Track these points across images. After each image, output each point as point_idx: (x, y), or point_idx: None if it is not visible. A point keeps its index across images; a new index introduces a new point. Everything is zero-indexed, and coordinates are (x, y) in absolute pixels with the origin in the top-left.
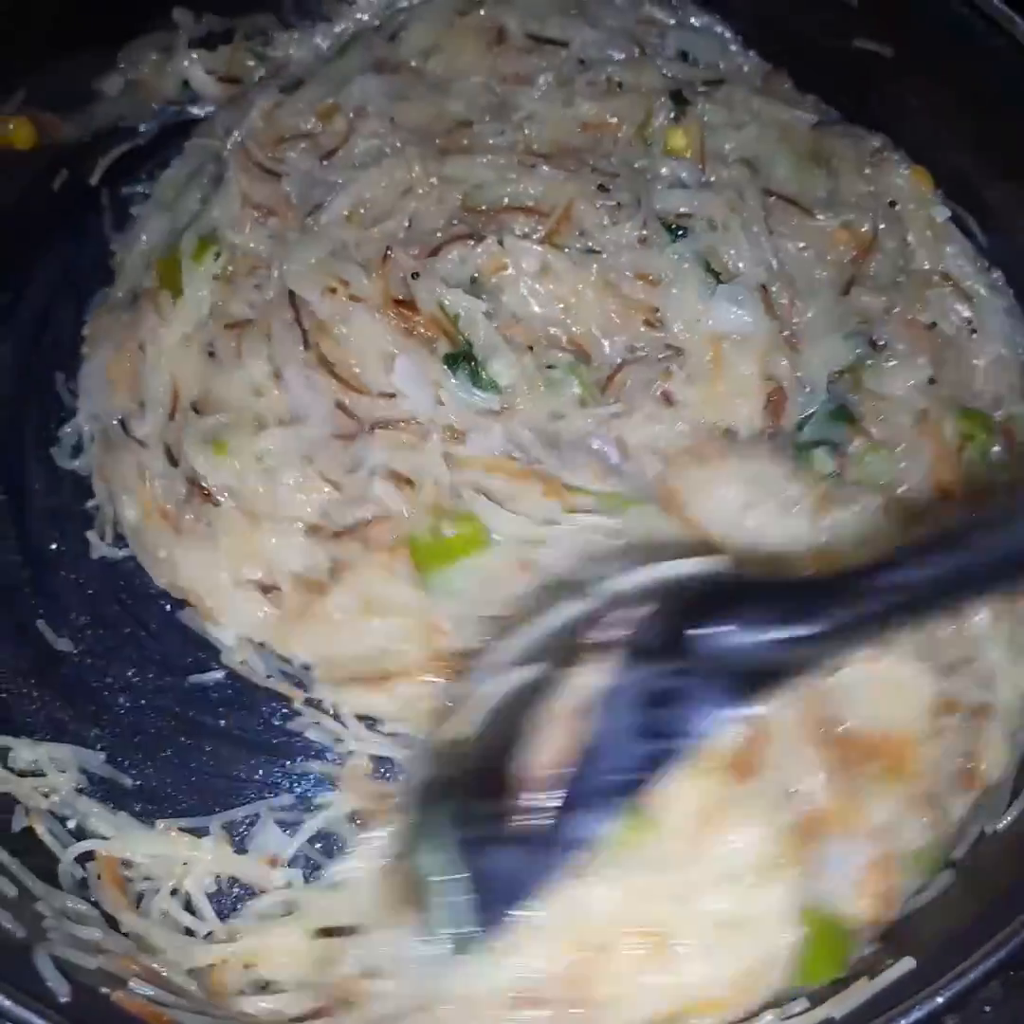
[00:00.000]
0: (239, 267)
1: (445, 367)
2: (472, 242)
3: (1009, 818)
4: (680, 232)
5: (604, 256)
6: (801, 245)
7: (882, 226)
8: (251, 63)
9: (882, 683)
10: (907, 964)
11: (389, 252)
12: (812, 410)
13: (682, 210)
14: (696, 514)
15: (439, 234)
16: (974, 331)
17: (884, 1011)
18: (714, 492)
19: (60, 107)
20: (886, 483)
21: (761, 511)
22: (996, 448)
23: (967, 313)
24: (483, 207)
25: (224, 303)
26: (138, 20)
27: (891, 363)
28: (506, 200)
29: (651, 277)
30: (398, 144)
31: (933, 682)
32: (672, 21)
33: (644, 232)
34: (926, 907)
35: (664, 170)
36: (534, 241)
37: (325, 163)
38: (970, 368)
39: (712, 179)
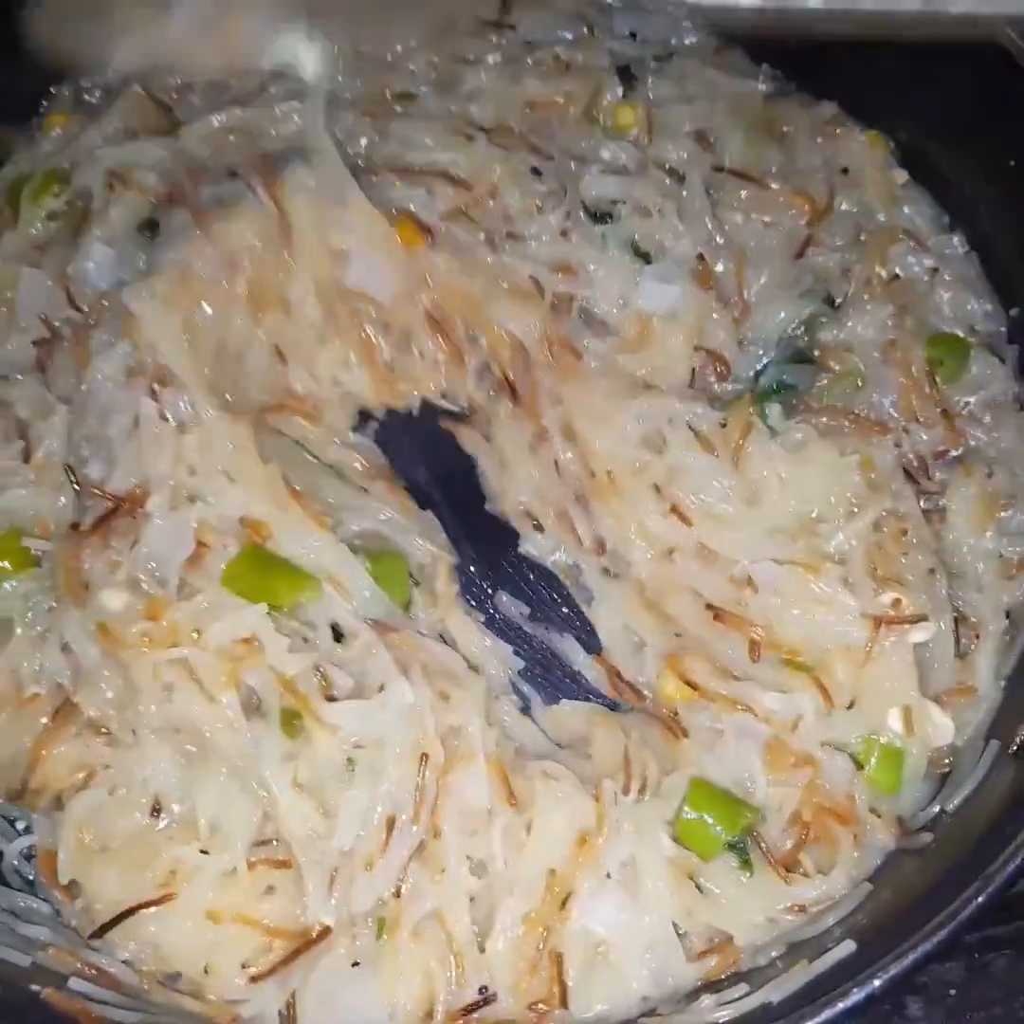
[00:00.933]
0: None
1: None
2: None
3: (964, 794)
4: (607, 218)
5: (529, 244)
6: (752, 215)
7: (839, 189)
8: None
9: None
10: (847, 947)
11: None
12: (766, 360)
13: (614, 197)
14: (591, 443)
15: None
16: (937, 270)
17: (823, 994)
18: (609, 424)
19: (8, 117)
20: (845, 405)
21: (672, 448)
22: (973, 370)
23: (929, 262)
24: (415, 167)
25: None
26: None
27: (851, 317)
28: (435, 163)
29: (572, 265)
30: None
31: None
32: (618, 3)
33: (567, 223)
34: (874, 891)
35: (605, 153)
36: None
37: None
38: (936, 300)
39: (657, 156)
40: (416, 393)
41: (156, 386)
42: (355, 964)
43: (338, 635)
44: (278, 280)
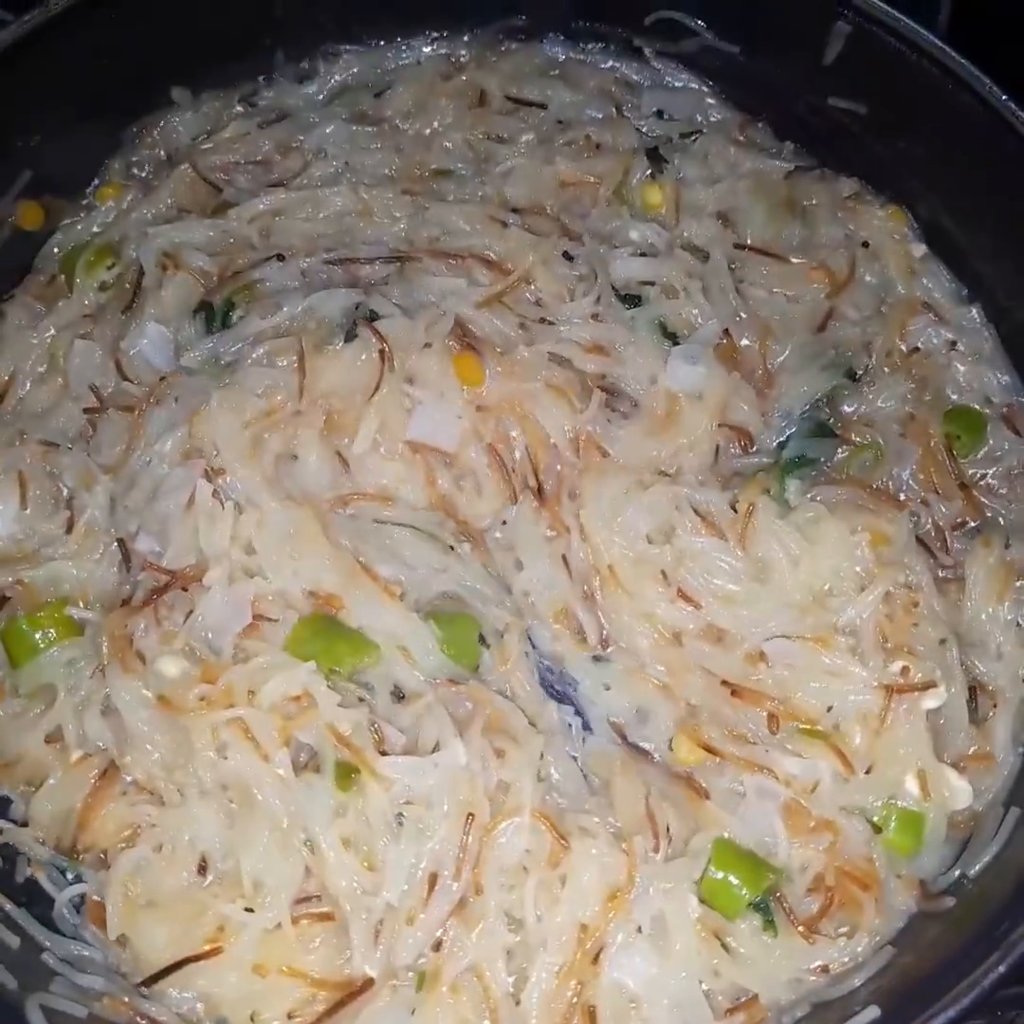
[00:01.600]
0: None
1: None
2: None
3: (985, 860)
4: (636, 300)
5: (561, 329)
6: (774, 290)
7: (860, 262)
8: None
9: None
10: (872, 1013)
11: (286, 254)
12: (790, 432)
13: (643, 279)
14: (594, 539)
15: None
16: (955, 343)
17: None
18: (616, 519)
19: (64, 190)
20: (864, 477)
21: (680, 533)
22: (990, 442)
23: (948, 334)
24: (453, 251)
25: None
26: (139, 102)
27: (872, 390)
28: (472, 248)
29: (604, 346)
30: (351, 178)
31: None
32: (648, 82)
33: (598, 307)
34: (897, 954)
35: (634, 234)
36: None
37: (269, 189)
38: (953, 373)
39: (683, 235)
40: (468, 525)
41: (210, 470)
42: (396, 1016)
43: (400, 695)
44: (353, 416)
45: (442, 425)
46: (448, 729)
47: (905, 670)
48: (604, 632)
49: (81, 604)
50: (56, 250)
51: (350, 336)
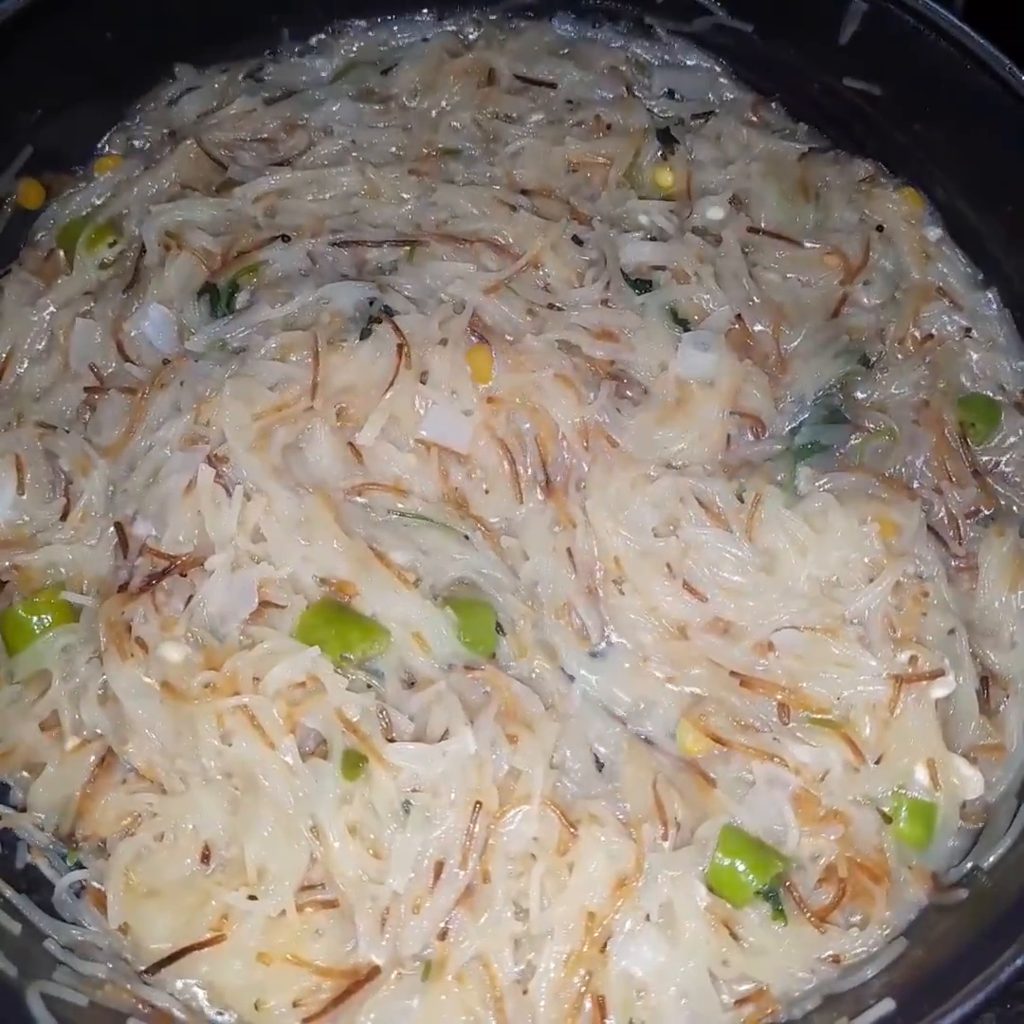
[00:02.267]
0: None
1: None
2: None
3: (999, 852)
4: (647, 285)
5: (570, 314)
6: (789, 274)
7: (874, 247)
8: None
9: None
10: (887, 1006)
11: (291, 235)
12: (803, 419)
13: (653, 264)
14: (599, 531)
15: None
16: (969, 329)
17: None
18: (622, 512)
19: (65, 168)
20: (877, 465)
21: (685, 525)
22: (1004, 430)
23: (962, 321)
24: (460, 235)
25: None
26: (142, 77)
27: (885, 376)
28: (480, 232)
29: (613, 332)
30: (358, 156)
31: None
32: (658, 61)
33: (607, 293)
34: (909, 947)
35: (644, 217)
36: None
37: (275, 167)
38: (967, 360)
39: (694, 218)
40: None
41: (214, 457)
42: (402, 1005)
43: (411, 682)
44: (366, 411)
45: (454, 426)
46: (458, 716)
47: (913, 659)
48: (606, 630)
49: (77, 589)
50: (52, 222)
51: (365, 333)
